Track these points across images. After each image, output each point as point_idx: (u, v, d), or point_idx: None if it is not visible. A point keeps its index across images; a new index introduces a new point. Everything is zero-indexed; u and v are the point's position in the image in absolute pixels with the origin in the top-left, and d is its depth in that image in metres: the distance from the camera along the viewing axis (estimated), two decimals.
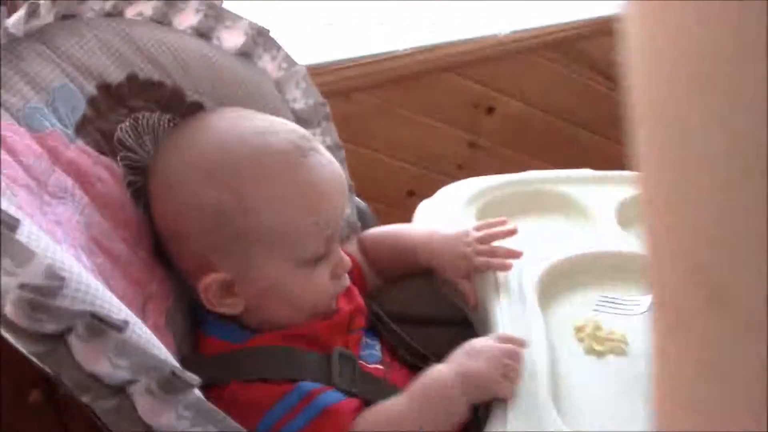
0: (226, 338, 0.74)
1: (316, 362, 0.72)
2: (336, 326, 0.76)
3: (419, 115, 1.77)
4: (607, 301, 0.78)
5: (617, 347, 0.73)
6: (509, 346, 0.68)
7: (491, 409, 0.67)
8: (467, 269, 0.82)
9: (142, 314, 0.68)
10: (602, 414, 0.66)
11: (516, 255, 0.81)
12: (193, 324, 0.77)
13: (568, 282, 0.82)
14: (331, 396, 0.69)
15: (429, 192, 1.01)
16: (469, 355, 0.68)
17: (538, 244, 0.88)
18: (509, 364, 0.66)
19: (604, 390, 0.69)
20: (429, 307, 0.91)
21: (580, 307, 0.79)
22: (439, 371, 0.68)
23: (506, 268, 0.80)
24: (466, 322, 0.85)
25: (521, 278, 0.80)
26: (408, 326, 0.89)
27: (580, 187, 0.96)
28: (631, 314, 0.75)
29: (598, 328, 0.76)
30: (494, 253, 0.81)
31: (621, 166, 1.92)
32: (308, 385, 0.69)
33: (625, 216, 0.91)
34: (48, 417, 1.33)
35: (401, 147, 1.78)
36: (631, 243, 0.85)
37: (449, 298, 0.88)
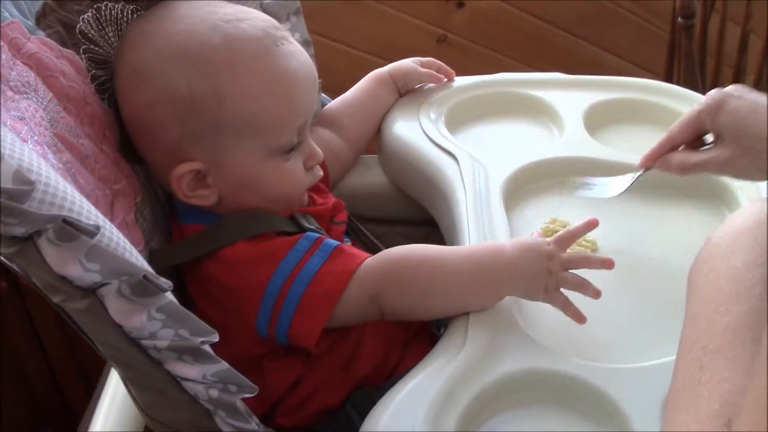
0: (203, 222, 0.74)
1: (285, 220, 0.73)
2: (320, 214, 0.77)
3: (388, 7, 1.73)
4: (584, 183, 0.80)
5: (583, 251, 0.75)
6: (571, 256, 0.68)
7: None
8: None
9: (111, 211, 0.68)
10: (564, 319, 0.68)
11: (449, 75, 0.97)
12: (163, 220, 0.77)
13: (533, 186, 0.84)
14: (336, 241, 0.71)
15: None
16: (527, 251, 0.68)
17: (505, 147, 0.90)
18: (559, 277, 0.67)
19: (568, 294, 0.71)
20: (397, 207, 0.93)
21: (545, 210, 0.81)
22: (498, 254, 0.69)
23: (437, 80, 0.97)
24: (433, 222, 0.86)
25: (487, 181, 0.81)
26: (377, 225, 0.91)
27: (549, 91, 0.96)
28: (604, 196, 0.78)
29: (562, 226, 0.77)
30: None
31: (592, 67, 1.91)
32: (313, 234, 0.71)
33: (593, 121, 0.91)
34: (12, 305, 1.35)
35: (369, 39, 1.75)
36: (597, 148, 0.87)
37: (413, 198, 0.90)
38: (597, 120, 0.92)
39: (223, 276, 0.69)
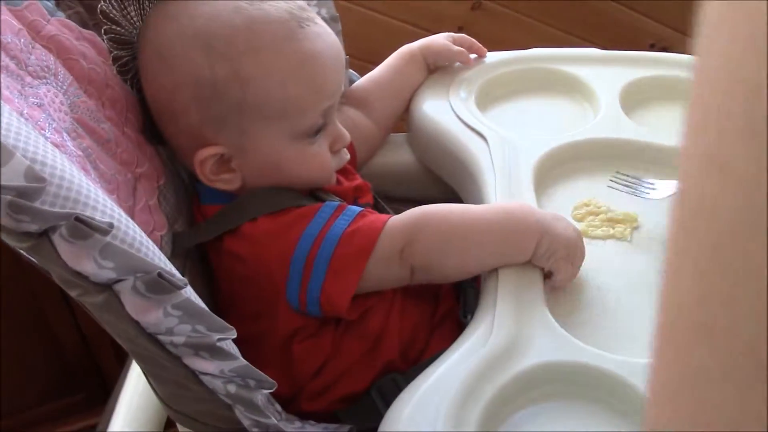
0: (225, 203, 0.73)
1: (305, 197, 0.73)
2: (341, 194, 0.76)
3: None
4: (622, 178, 0.76)
5: (619, 233, 0.73)
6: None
7: (481, 290, 0.68)
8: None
9: (133, 196, 0.67)
10: (592, 305, 0.67)
11: (481, 52, 0.95)
12: (186, 203, 0.77)
13: (566, 168, 0.81)
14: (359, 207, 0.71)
15: None
16: (557, 219, 0.68)
17: (537, 127, 0.87)
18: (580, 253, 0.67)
19: (596, 276, 0.69)
20: (425, 187, 0.91)
21: (577, 194, 0.78)
22: (526, 207, 0.69)
23: (468, 61, 0.94)
24: (459, 201, 0.84)
25: (518, 162, 0.79)
26: (404, 205, 0.89)
27: (584, 67, 0.93)
28: (645, 197, 0.74)
29: (598, 208, 0.75)
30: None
31: (633, 34, 1.84)
32: (334, 202, 0.71)
33: (629, 100, 0.88)
34: (42, 272, 1.36)
35: (399, 6, 1.71)
36: (633, 130, 0.83)
37: (442, 178, 0.88)
38: (634, 99, 0.88)
39: (245, 251, 0.69)
